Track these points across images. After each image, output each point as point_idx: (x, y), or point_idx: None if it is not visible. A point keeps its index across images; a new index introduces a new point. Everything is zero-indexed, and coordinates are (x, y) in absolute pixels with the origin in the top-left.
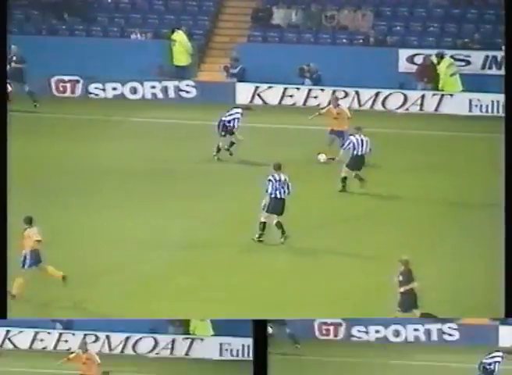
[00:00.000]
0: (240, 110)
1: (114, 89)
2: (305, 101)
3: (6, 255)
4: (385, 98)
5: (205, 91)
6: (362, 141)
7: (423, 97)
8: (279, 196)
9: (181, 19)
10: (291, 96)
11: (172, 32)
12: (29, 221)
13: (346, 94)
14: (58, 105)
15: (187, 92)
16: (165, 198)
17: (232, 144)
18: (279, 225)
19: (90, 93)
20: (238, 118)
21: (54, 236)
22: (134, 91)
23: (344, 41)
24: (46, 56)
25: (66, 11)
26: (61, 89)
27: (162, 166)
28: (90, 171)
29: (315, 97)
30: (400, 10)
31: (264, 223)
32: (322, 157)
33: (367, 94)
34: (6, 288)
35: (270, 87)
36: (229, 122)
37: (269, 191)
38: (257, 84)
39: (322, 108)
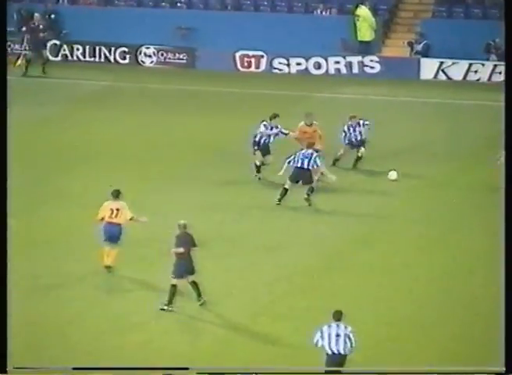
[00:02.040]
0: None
1: (298, 64)
2: (490, 76)
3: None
4: None
5: (389, 66)
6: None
7: None
8: (299, 165)
9: None
10: (476, 72)
11: (357, 7)
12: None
13: None
14: (241, 80)
15: (371, 68)
16: None
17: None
18: (310, 190)
19: (275, 68)
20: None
21: None
22: (318, 66)
23: None
24: (231, 31)
25: None
26: (245, 64)
27: None
28: None
29: (500, 72)
30: None
31: (286, 189)
32: (394, 174)
33: None
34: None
35: (454, 63)
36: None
37: (291, 163)
38: (442, 60)
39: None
